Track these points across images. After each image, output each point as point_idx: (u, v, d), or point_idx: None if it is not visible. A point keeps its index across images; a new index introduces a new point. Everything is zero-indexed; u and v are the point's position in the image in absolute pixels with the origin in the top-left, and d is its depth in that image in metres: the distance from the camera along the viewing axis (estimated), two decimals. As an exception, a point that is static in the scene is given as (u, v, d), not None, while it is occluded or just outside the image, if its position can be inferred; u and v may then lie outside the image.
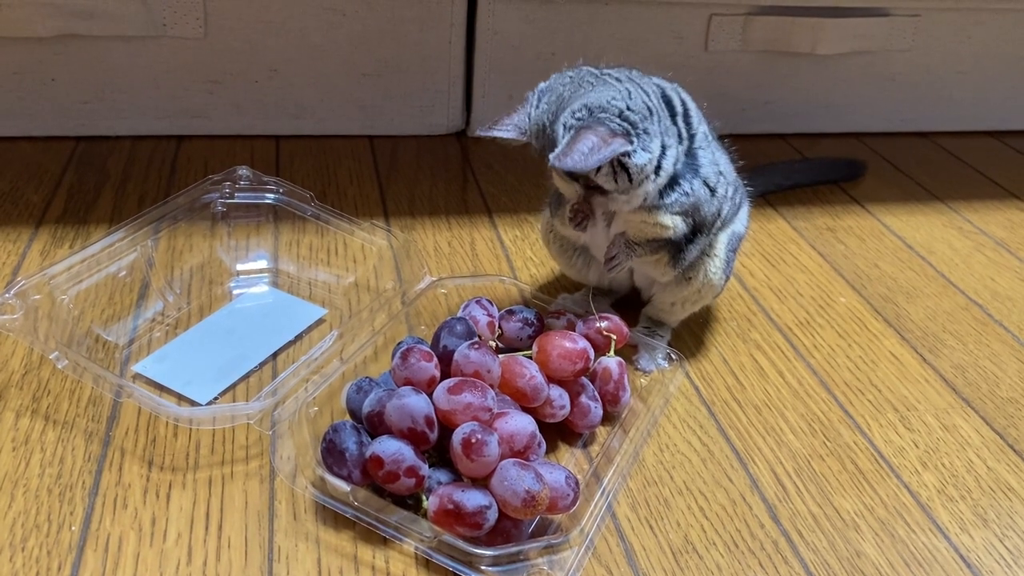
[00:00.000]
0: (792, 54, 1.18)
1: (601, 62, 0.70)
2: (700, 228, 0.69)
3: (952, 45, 1.23)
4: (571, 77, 0.66)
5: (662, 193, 0.65)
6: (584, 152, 0.59)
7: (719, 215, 0.70)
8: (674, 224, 0.67)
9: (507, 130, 0.65)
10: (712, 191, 0.68)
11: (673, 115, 0.66)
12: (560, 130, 0.62)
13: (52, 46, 1.02)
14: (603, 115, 0.61)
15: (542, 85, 0.67)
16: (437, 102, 1.13)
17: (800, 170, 1.12)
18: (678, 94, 0.68)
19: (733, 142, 0.75)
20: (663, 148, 0.64)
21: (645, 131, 0.62)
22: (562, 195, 0.71)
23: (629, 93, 0.63)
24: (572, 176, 0.65)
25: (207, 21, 1.03)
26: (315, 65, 1.08)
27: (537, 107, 0.65)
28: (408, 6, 1.06)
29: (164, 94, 1.06)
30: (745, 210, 0.77)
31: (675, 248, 0.69)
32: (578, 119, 0.61)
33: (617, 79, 0.65)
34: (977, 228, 1.04)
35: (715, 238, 0.72)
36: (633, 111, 0.62)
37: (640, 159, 0.62)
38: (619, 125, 0.61)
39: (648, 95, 0.65)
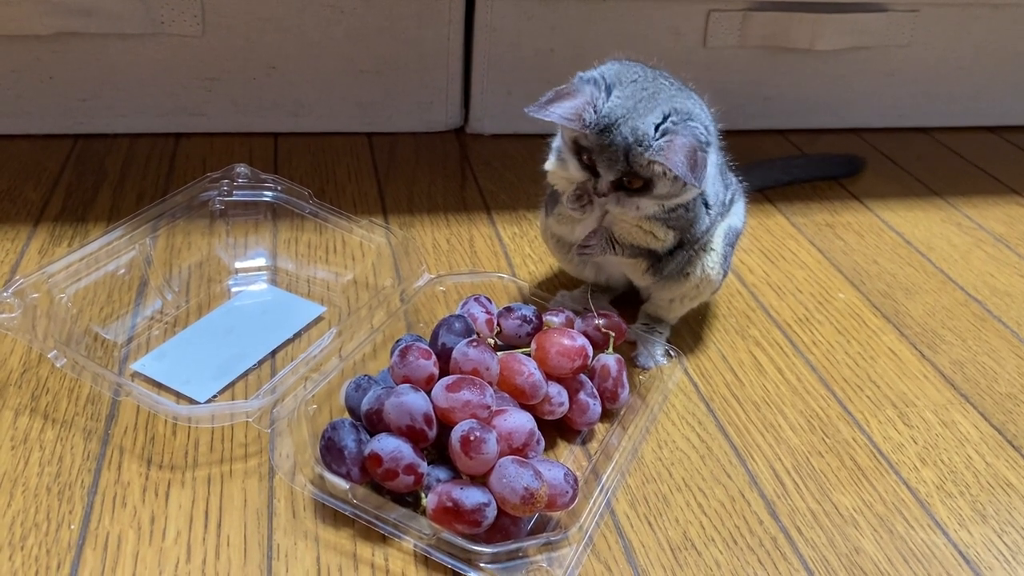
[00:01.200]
0: (791, 50, 1.18)
1: (599, 60, 0.70)
2: (684, 243, 0.70)
3: (951, 40, 1.23)
4: (642, 73, 0.65)
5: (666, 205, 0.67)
6: (689, 158, 0.60)
7: (706, 232, 0.71)
8: (666, 236, 0.69)
9: (568, 119, 0.63)
10: (707, 209, 0.69)
11: None
12: (651, 130, 0.62)
13: (50, 44, 1.01)
14: (693, 124, 0.63)
15: (603, 73, 0.65)
16: (435, 99, 1.13)
17: (799, 166, 1.12)
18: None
19: (732, 139, 0.75)
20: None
21: (712, 148, 0.65)
22: (557, 194, 0.71)
23: (702, 107, 0.66)
24: (624, 168, 0.63)
25: (205, 19, 1.03)
26: (313, 62, 1.08)
27: (607, 100, 0.63)
28: (406, 3, 1.06)
29: (162, 92, 1.06)
30: (741, 206, 0.77)
31: (655, 257, 0.71)
32: (674, 123, 0.62)
33: (686, 88, 0.66)
34: (976, 224, 1.04)
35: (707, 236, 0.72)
36: (708, 127, 0.64)
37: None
38: (704, 137, 0.63)
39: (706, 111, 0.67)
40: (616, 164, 0.63)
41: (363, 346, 0.70)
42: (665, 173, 0.63)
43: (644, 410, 0.69)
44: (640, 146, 0.62)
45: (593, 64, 0.69)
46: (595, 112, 0.63)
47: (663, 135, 0.62)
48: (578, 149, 0.65)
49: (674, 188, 0.64)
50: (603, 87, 0.64)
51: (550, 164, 0.71)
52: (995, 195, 1.11)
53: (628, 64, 0.67)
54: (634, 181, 0.64)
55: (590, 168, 0.65)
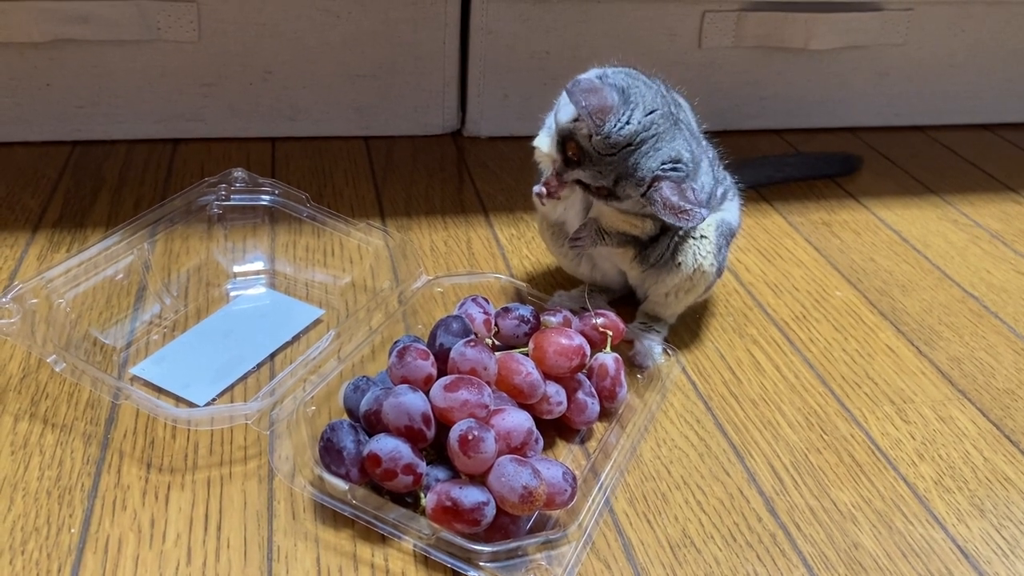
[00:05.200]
0: (786, 50, 1.18)
1: (595, 61, 0.70)
2: (668, 228, 0.72)
3: (945, 39, 1.23)
4: (661, 103, 0.66)
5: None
6: (685, 199, 0.64)
7: None
8: (643, 224, 0.71)
9: (594, 117, 0.62)
10: None
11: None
12: (649, 174, 0.64)
13: (47, 51, 1.02)
14: (683, 168, 0.65)
15: (626, 87, 0.65)
16: (432, 102, 1.14)
17: (795, 164, 1.13)
18: (691, 115, 0.72)
19: (728, 139, 0.76)
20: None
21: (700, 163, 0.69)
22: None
23: (688, 142, 0.67)
24: (607, 184, 0.65)
25: (201, 24, 1.03)
26: (309, 67, 1.08)
27: (629, 119, 0.63)
28: (401, 7, 1.07)
29: (159, 98, 1.07)
30: (735, 204, 0.77)
31: (641, 245, 0.73)
32: (672, 168, 0.65)
33: (677, 121, 0.67)
34: (972, 221, 1.04)
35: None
36: (688, 163, 0.66)
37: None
38: (685, 176, 0.66)
39: (696, 142, 0.69)
40: (602, 178, 0.65)
41: (361, 348, 0.70)
42: (642, 203, 0.65)
43: (642, 409, 0.69)
44: (632, 180, 0.64)
45: (604, 63, 0.69)
46: (616, 124, 0.63)
47: (655, 179, 0.64)
48: (567, 138, 0.66)
49: (635, 207, 0.67)
50: (627, 102, 0.64)
51: (539, 140, 0.72)
52: (990, 192, 1.11)
53: (647, 83, 0.67)
54: (601, 190, 0.66)
55: (569, 161, 0.66)
